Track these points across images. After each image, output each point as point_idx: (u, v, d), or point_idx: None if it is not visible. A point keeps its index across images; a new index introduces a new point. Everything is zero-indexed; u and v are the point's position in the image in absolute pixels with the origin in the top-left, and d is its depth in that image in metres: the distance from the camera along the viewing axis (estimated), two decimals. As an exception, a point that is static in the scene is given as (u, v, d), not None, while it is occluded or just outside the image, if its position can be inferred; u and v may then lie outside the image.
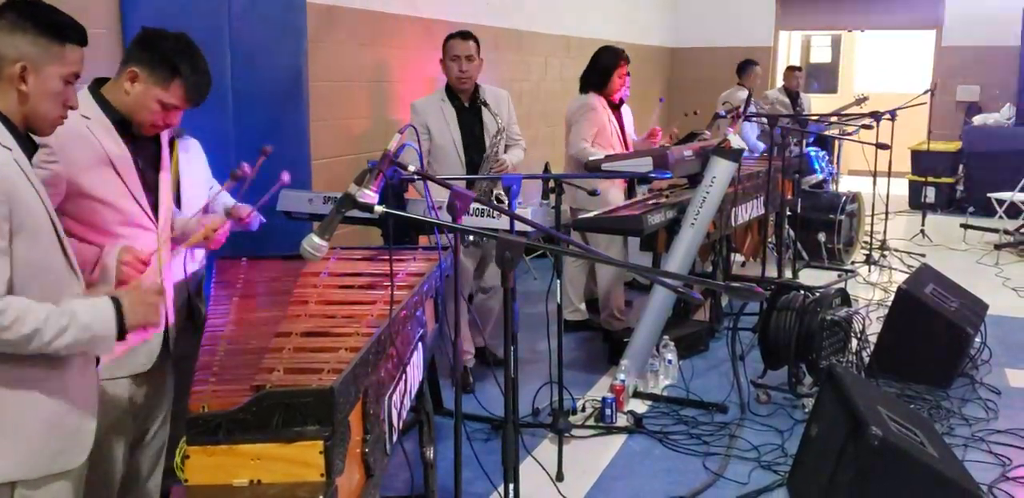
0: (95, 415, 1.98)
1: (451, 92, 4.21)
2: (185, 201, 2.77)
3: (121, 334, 1.87)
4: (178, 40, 2.25)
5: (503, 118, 4.16)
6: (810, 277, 6.17)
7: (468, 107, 4.22)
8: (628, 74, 5.00)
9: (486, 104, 4.17)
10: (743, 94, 7.07)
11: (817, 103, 9.97)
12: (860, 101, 8.22)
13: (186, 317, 2.71)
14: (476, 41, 4.21)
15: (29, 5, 1.82)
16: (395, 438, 2.29)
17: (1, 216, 1.71)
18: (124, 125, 2.25)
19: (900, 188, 8.96)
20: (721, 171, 4.32)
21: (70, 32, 1.84)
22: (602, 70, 4.89)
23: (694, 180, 4.59)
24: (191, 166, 2.85)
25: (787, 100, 8.36)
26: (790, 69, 8.58)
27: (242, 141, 3.94)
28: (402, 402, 2.34)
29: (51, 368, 1.84)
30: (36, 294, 1.78)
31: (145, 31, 2.20)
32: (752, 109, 5.95)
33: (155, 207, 2.32)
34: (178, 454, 1.71)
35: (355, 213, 2.01)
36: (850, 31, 12.21)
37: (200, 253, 2.90)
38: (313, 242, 1.91)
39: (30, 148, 1.87)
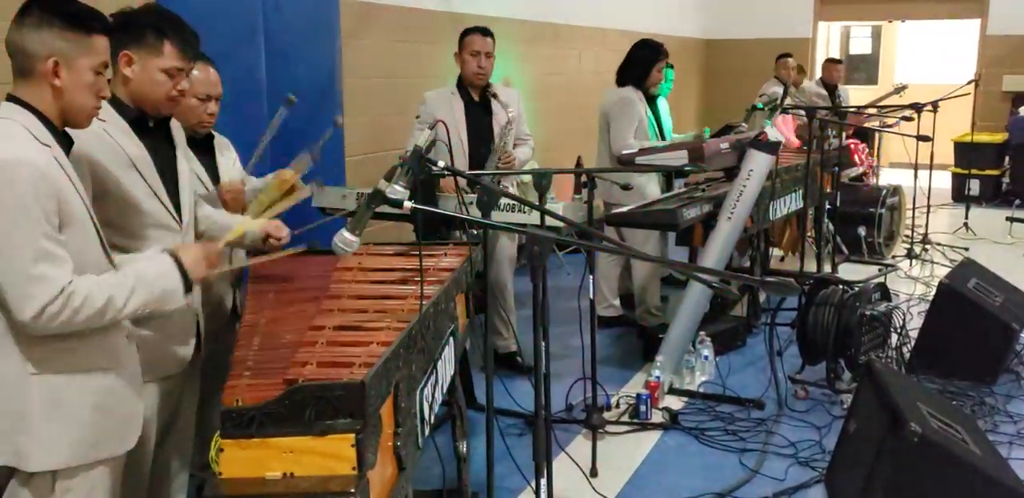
0: (142, 402, 2.05)
1: (461, 86, 4.22)
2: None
3: (187, 287, 1.98)
4: (151, 10, 2.25)
5: (514, 110, 4.16)
6: (850, 272, 6.07)
7: (477, 101, 4.23)
8: (671, 67, 4.94)
9: (495, 96, 4.16)
10: (780, 88, 6.99)
11: (856, 95, 9.81)
12: (899, 90, 8.07)
13: (230, 311, 2.78)
14: (493, 38, 4.22)
15: (51, 0, 1.84)
16: (427, 432, 2.29)
17: (52, 211, 1.78)
18: (139, 124, 2.25)
19: (943, 181, 8.79)
20: (758, 164, 4.27)
21: (94, 22, 1.87)
22: (640, 64, 4.85)
23: (731, 173, 4.54)
24: (227, 162, 2.89)
25: (824, 92, 8.24)
26: (830, 62, 8.47)
27: (277, 138, 3.97)
28: (434, 396, 2.34)
29: (108, 357, 1.92)
30: None
31: (114, 17, 2.13)
32: (789, 101, 5.87)
33: (177, 207, 2.32)
34: (213, 447, 1.73)
35: (386, 209, 2.02)
36: (891, 22, 11.99)
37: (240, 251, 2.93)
38: (344, 238, 1.93)
39: (67, 144, 1.91)
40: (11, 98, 1.85)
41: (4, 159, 1.74)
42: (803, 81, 8.46)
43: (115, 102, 2.18)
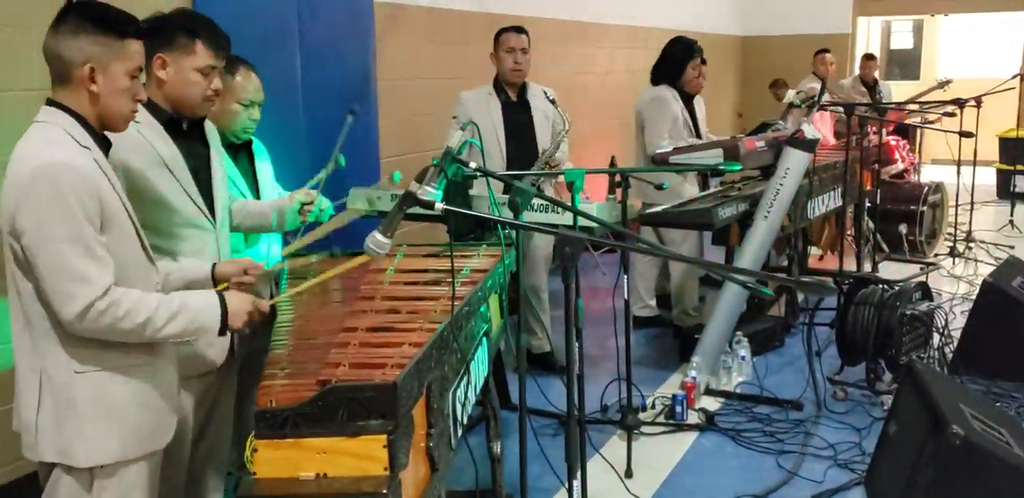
0: (179, 398, 2.11)
1: (498, 86, 4.22)
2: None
3: (222, 330, 1.99)
4: (181, 13, 2.30)
5: (567, 116, 4.16)
6: (891, 270, 5.98)
7: (515, 101, 4.23)
8: (704, 62, 4.91)
9: (554, 102, 4.15)
10: (816, 84, 6.89)
11: (897, 90, 9.65)
12: (943, 85, 7.92)
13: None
14: (528, 35, 4.23)
15: (85, 6, 1.87)
16: (460, 433, 2.30)
17: (94, 212, 1.81)
18: (172, 126, 2.28)
19: (987, 177, 8.62)
20: (795, 162, 4.22)
21: (128, 27, 1.89)
22: (675, 62, 4.81)
23: (767, 172, 4.49)
24: (264, 170, 2.91)
25: (863, 89, 8.12)
26: (865, 58, 8.35)
27: (313, 139, 4.01)
28: (466, 397, 2.35)
29: (149, 355, 1.97)
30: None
31: (146, 22, 2.16)
32: (826, 98, 5.79)
33: (211, 206, 2.35)
34: (247, 447, 1.75)
35: (418, 210, 2.02)
36: (933, 16, 11.79)
37: (276, 249, 2.95)
38: (376, 239, 1.94)
39: (106, 146, 1.94)
40: (51, 102, 1.89)
41: (46, 162, 1.77)
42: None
43: (149, 104, 2.21)
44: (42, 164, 1.77)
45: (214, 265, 2.24)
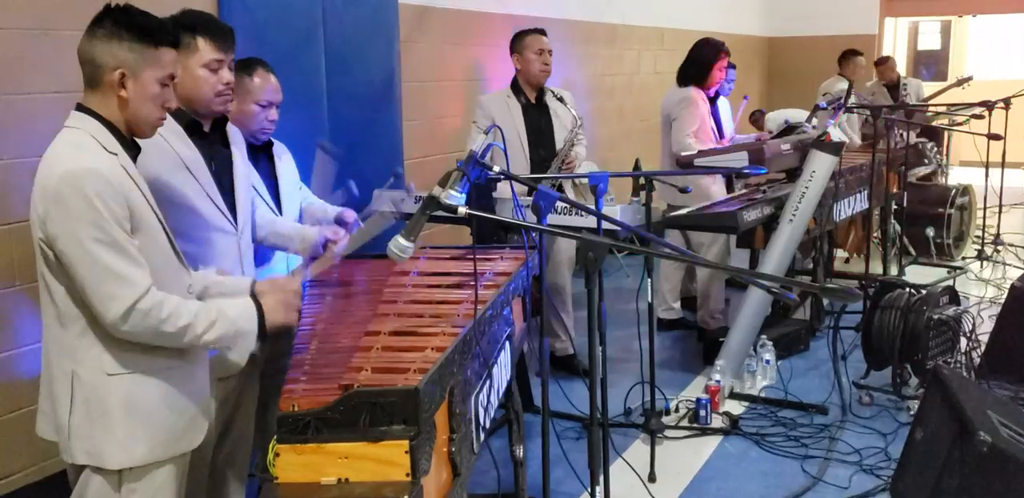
0: (211, 401, 2.11)
1: (516, 88, 4.23)
2: (285, 206, 2.83)
3: (262, 332, 2.01)
4: (180, 14, 2.29)
5: (576, 112, 4.16)
6: (917, 274, 5.92)
7: (535, 103, 4.23)
8: (733, 66, 4.88)
9: (562, 100, 4.16)
10: (844, 85, 6.83)
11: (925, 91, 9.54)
12: (963, 82, 7.82)
13: None
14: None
15: (123, 12, 1.88)
16: (482, 437, 2.29)
17: (123, 216, 1.82)
18: (193, 128, 2.29)
19: (1016, 180, 8.50)
20: (821, 165, 4.18)
21: (163, 35, 1.90)
22: (701, 63, 4.79)
23: (792, 175, 4.46)
24: (285, 171, 2.91)
25: (885, 91, 8.03)
26: (881, 61, 8.26)
27: (337, 140, 4.02)
28: (489, 401, 2.34)
29: (180, 358, 1.98)
30: None
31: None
32: (853, 100, 5.74)
33: (232, 210, 2.36)
34: (270, 452, 1.75)
35: (442, 213, 2.02)
36: (961, 17, 11.65)
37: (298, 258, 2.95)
38: (399, 243, 1.94)
39: (134, 151, 1.95)
40: (80, 107, 1.91)
41: (73, 169, 1.79)
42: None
43: None
44: (67, 171, 1.78)
45: (253, 282, 2.21)
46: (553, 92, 4.18)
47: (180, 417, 1.98)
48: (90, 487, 1.92)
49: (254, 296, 2.06)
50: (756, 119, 7.12)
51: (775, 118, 7.19)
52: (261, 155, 2.83)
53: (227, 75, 2.28)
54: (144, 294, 1.81)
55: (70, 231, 1.78)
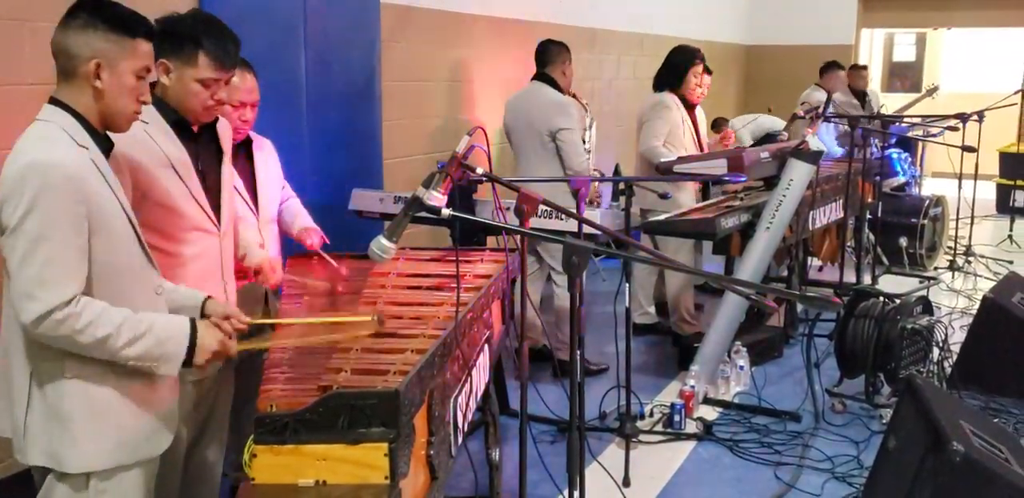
0: (178, 403, 2.05)
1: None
2: (262, 203, 2.80)
3: (187, 361, 1.90)
4: (194, 17, 2.24)
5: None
6: (891, 283, 5.97)
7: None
8: (709, 72, 4.90)
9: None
10: (821, 95, 6.88)
11: (899, 102, 9.65)
12: (931, 92, 7.92)
13: (263, 315, 2.76)
14: None
15: (98, 2, 1.85)
16: (460, 440, 2.28)
17: (80, 215, 1.76)
18: (182, 126, 2.25)
19: (987, 192, 8.62)
20: (799, 174, 4.21)
21: (139, 26, 1.87)
22: (677, 69, 4.81)
23: (770, 182, 4.48)
24: (267, 166, 2.87)
25: (854, 100, 8.11)
26: (855, 68, 8.34)
27: (315, 140, 3.99)
28: (467, 404, 2.33)
29: None
30: (111, 293, 1.83)
31: (159, 22, 2.13)
32: (831, 110, 5.79)
33: (216, 209, 2.31)
34: (246, 452, 1.73)
35: (424, 214, 2.00)
36: (936, 29, 11.80)
37: (275, 248, 2.91)
38: (381, 244, 1.91)
39: (106, 147, 1.91)
40: (53, 101, 1.86)
41: (37, 160, 1.74)
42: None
43: (158, 104, 2.18)
44: (31, 161, 1.74)
45: (207, 298, 2.11)
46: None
47: (143, 421, 1.92)
48: (57, 488, 1.88)
49: (193, 324, 1.92)
50: (719, 125, 7.14)
51: (743, 119, 7.25)
52: (239, 154, 2.79)
53: (220, 93, 2.23)
54: (64, 303, 1.73)
55: (19, 221, 1.73)
